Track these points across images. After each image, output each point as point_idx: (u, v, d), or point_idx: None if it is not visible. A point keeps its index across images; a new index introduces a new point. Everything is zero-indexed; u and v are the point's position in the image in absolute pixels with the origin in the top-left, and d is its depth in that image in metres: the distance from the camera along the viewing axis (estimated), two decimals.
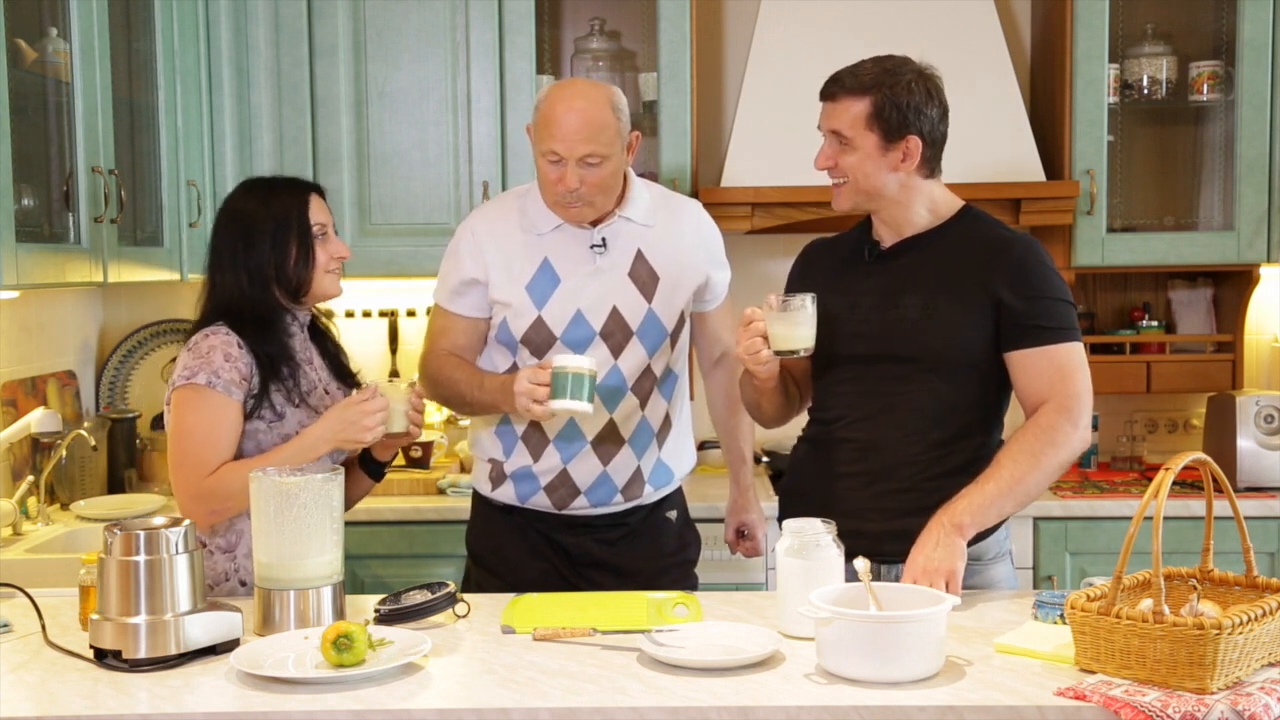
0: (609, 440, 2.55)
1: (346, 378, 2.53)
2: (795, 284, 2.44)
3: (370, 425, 2.28)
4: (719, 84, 3.98)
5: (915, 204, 2.31)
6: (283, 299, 2.38)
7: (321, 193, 2.46)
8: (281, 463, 2.22)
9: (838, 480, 2.33)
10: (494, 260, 2.53)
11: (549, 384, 2.32)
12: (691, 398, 2.81)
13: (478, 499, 2.70)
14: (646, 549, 2.63)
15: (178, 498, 2.31)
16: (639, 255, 2.55)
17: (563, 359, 2.33)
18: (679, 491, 2.73)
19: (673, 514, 2.70)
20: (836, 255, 2.44)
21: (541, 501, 2.57)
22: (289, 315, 2.41)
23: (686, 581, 2.68)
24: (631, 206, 2.56)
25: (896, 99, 2.23)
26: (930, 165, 2.30)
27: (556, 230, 2.53)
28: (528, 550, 2.60)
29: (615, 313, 2.52)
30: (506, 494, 2.60)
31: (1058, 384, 2.21)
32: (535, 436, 2.55)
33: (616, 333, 2.52)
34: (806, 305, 2.19)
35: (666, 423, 2.64)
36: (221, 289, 2.38)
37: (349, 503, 2.35)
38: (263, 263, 2.35)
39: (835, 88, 2.28)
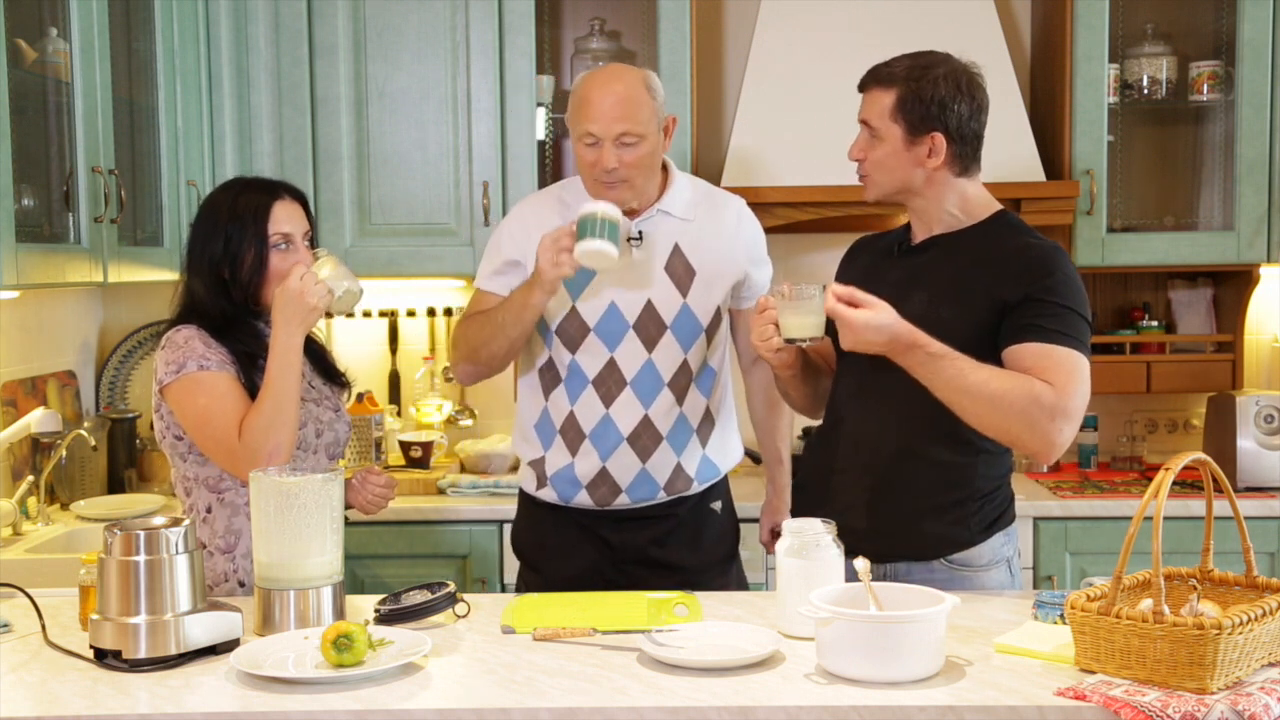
0: (645, 436, 2.54)
1: (335, 376, 2.53)
2: (841, 278, 2.43)
3: (305, 288, 2.26)
4: (719, 84, 3.98)
5: (944, 200, 2.29)
6: (242, 304, 2.38)
7: (299, 196, 2.44)
8: (276, 378, 2.25)
9: (837, 475, 2.33)
10: (534, 247, 2.52)
11: (574, 235, 2.35)
12: None
13: (523, 496, 2.71)
14: (691, 543, 2.63)
15: (237, 474, 2.30)
16: (676, 249, 2.56)
17: (589, 205, 2.36)
18: (724, 481, 2.72)
19: (718, 505, 2.69)
20: (875, 249, 2.44)
21: (584, 501, 2.58)
22: (257, 319, 2.40)
23: (728, 577, 2.67)
24: (671, 200, 2.57)
25: (921, 93, 2.23)
26: (962, 163, 2.28)
27: None
28: (570, 545, 2.61)
29: (650, 306, 2.53)
30: (550, 495, 2.61)
31: (1054, 376, 2.10)
32: (572, 431, 2.55)
33: (650, 326, 2.53)
34: (815, 294, 2.19)
35: (708, 419, 2.63)
36: (190, 291, 2.40)
37: None
38: (217, 262, 2.36)
39: (869, 79, 2.30)
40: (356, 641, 1.84)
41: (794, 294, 2.19)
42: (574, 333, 2.53)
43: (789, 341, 2.22)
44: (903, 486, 2.26)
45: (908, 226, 2.40)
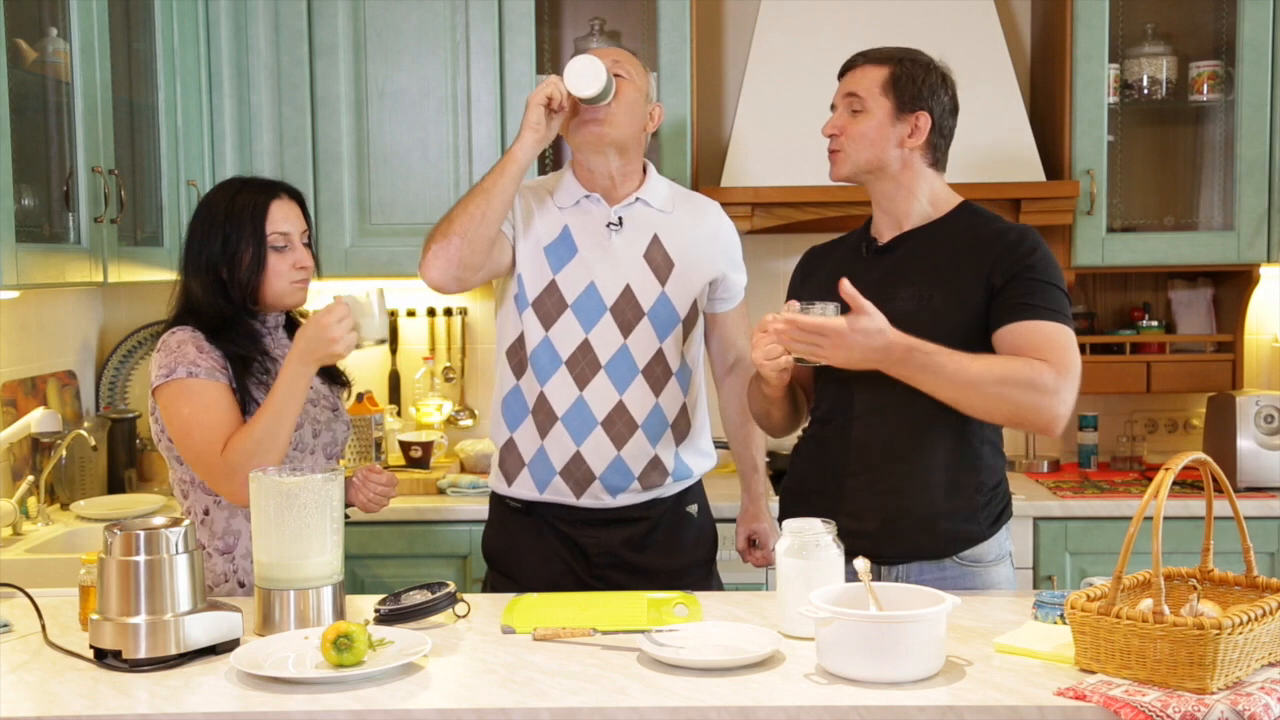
0: (620, 422, 2.54)
1: (335, 376, 2.53)
2: (797, 291, 2.44)
3: (337, 335, 2.23)
4: (719, 84, 3.98)
5: (916, 189, 2.33)
6: (240, 303, 2.38)
7: (296, 196, 2.44)
8: (277, 405, 2.24)
9: (834, 478, 2.33)
10: (523, 211, 2.57)
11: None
12: None
13: (494, 501, 2.69)
14: (667, 547, 2.62)
15: (215, 488, 2.30)
16: (655, 239, 2.58)
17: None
18: (700, 485, 2.72)
19: (694, 509, 2.68)
20: (835, 256, 2.45)
21: (560, 488, 2.55)
22: (254, 319, 2.40)
23: (708, 582, 2.66)
24: (649, 192, 2.60)
25: (914, 74, 2.30)
26: (935, 153, 2.33)
27: (576, 206, 2.57)
28: (543, 551, 2.59)
29: (628, 291, 2.54)
30: (524, 486, 2.58)
31: (1048, 352, 2.16)
32: (543, 412, 2.54)
33: (627, 311, 2.53)
34: (829, 314, 2.17)
35: (684, 417, 2.62)
36: (187, 291, 2.40)
37: None
38: (215, 262, 2.36)
39: (858, 58, 2.36)
40: (356, 641, 1.84)
41: (804, 312, 2.17)
42: (550, 308, 2.53)
43: (799, 361, 2.21)
44: (915, 488, 2.27)
45: (867, 229, 2.42)
